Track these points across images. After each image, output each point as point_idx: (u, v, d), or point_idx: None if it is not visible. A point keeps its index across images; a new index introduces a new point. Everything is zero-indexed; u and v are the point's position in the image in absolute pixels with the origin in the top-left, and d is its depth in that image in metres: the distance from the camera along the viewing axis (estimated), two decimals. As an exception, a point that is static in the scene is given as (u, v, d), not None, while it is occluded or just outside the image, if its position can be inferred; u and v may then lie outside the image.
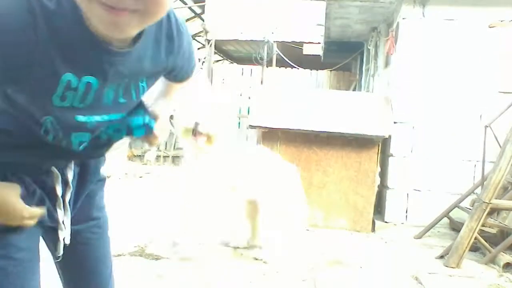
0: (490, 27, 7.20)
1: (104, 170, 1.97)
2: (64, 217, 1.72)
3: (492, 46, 7.20)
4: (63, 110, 1.40)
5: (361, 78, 12.71)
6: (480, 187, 6.16)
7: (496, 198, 5.47)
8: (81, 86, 1.37)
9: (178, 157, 18.11)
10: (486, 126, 6.19)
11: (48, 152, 1.58)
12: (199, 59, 21.62)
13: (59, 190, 1.67)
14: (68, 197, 1.73)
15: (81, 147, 1.57)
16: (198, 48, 23.57)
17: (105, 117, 1.55)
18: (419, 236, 6.64)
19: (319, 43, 13.22)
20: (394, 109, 7.23)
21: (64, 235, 1.74)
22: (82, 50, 1.32)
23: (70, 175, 1.72)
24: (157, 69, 1.64)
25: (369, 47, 10.75)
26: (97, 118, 1.52)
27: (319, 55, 13.71)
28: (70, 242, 1.79)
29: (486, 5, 7.18)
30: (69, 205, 1.75)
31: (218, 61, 24.04)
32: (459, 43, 7.26)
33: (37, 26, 1.21)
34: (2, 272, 1.53)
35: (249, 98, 13.88)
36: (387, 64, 8.77)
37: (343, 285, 4.66)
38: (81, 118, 1.46)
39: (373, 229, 6.94)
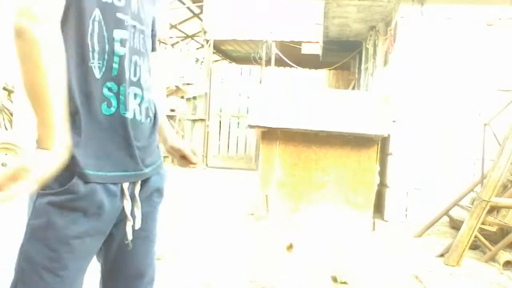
0: (488, 25, 7.20)
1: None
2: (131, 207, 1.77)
3: (491, 44, 7.20)
4: (106, 5, 1.60)
5: (360, 77, 12.72)
6: (479, 185, 6.16)
7: (495, 196, 5.47)
8: None
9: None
10: (485, 124, 6.19)
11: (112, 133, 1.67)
12: (197, 59, 21.65)
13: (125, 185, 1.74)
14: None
15: (123, 68, 1.67)
16: (197, 48, 23.56)
17: (134, 23, 1.74)
18: (419, 235, 6.63)
19: (317, 42, 13.21)
20: (393, 108, 7.23)
21: (131, 224, 1.79)
22: None
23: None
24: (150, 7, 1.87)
25: (367, 46, 10.75)
26: (130, 20, 1.70)
27: (318, 54, 13.70)
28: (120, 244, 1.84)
29: (484, 3, 7.18)
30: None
31: (217, 61, 24.02)
32: (457, 41, 7.26)
33: None
34: (45, 285, 1.57)
35: (248, 97, 13.88)
36: (386, 63, 8.77)
37: (344, 283, 4.65)
38: (120, 15, 1.64)
39: (373, 228, 6.93)
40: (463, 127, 7.19)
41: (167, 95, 18.12)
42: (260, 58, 14.47)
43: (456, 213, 6.65)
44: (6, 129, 11.84)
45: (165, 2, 19.69)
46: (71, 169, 1.53)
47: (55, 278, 1.58)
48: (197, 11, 22.51)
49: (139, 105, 1.76)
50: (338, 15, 9.26)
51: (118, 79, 1.66)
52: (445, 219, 6.85)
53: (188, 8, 22.80)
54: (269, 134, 7.07)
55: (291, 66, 14.77)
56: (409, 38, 7.43)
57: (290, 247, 4.64)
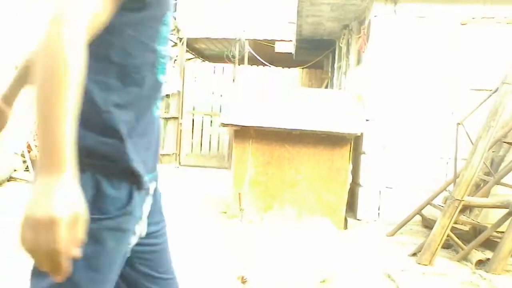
0: (462, 24, 7.22)
1: None
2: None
3: (464, 44, 7.22)
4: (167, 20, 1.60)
5: (333, 76, 12.72)
6: (452, 184, 6.16)
7: (468, 195, 5.48)
8: None
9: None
10: (458, 124, 6.19)
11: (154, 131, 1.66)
12: (170, 57, 21.53)
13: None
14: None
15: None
16: (171, 46, 23.45)
17: None
18: (392, 234, 6.63)
19: (291, 41, 13.21)
20: (366, 107, 7.23)
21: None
22: None
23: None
24: None
25: (341, 45, 10.75)
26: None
27: (291, 53, 13.70)
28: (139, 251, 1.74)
29: (458, 2, 7.20)
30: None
31: (190, 59, 23.90)
32: (431, 41, 7.27)
33: None
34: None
35: (221, 96, 13.84)
36: (359, 61, 8.77)
37: (316, 282, 4.62)
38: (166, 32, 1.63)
39: (345, 227, 6.92)
40: (436, 126, 7.21)
41: (140, 93, 18.03)
42: (233, 57, 14.41)
43: (429, 212, 6.66)
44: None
45: None
46: (128, 181, 1.48)
47: None
48: (170, 8, 22.41)
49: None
50: (312, 14, 9.23)
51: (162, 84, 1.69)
52: (418, 218, 6.85)
53: (161, 5, 22.72)
54: (242, 133, 7.02)
55: (264, 65, 14.75)
56: (382, 37, 7.43)
57: (243, 280, 4.57)
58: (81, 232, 1.17)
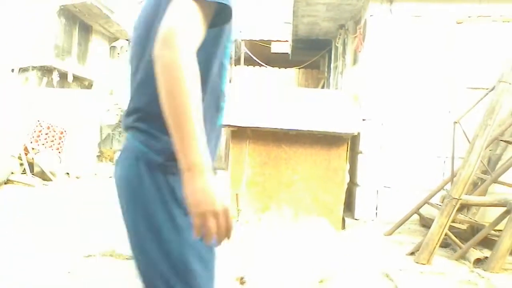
0: (458, 23, 7.22)
1: None
2: None
3: (460, 42, 7.22)
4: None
5: (330, 76, 12.72)
6: (450, 183, 6.16)
7: (466, 194, 5.48)
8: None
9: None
10: (455, 122, 6.18)
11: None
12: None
13: None
14: None
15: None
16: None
17: None
18: (389, 233, 6.63)
19: (287, 41, 13.21)
20: (363, 106, 7.23)
21: None
22: None
23: None
24: None
25: (337, 45, 10.75)
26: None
27: (287, 53, 13.70)
28: None
29: (454, 1, 7.21)
30: None
31: (185, 60, 23.97)
32: (427, 40, 7.27)
33: None
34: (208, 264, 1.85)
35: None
36: (355, 61, 8.77)
37: (314, 282, 4.61)
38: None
39: (343, 227, 6.91)
40: (433, 125, 7.20)
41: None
42: (230, 57, 14.42)
43: (427, 211, 6.66)
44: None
45: (134, 1, 19.57)
46: None
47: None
48: (166, 10, 22.44)
49: None
50: (307, 14, 9.24)
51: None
52: (416, 217, 6.85)
53: (157, 7, 22.74)
54: (239, 133, 7.01)
55: (260, 65, 14.75)
56: (378, 37, 7.43)
57: (242, 281, 4.56)
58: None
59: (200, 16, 1.58)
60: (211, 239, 1.52)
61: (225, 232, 1.54)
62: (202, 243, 1.60)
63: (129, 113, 1.81)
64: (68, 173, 11.56)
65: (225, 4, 1.67)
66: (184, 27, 1.51)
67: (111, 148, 17.73)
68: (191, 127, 1.47)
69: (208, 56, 1.73)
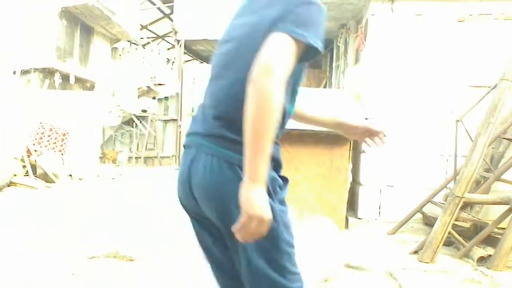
0: (459, 22, 7.22)
1: None
2: None
3: (462, 41, 7.22)
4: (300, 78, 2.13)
5: (331, 75, 12.72)
6: (452, 182, 6.16)
7: (469, 192, 5.47)
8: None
9: (150, 158, 18.03)
10: (457, 121, 6.19)
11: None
12: (168, 60, 21.53)
13: None
14: None
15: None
16: (168, 49, 23.44)
17: None
18: (393, 232, 6.63)
19: (289, 40, 13.18)
20: (365, 105, 7.22)
21: None
22: None
23: None
24: None
25: (338, 44, 10.75)
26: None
27: (289, 53, 13.66)
28: None
29: (455, -1, 7.21)
30: None
31: (188, 61, 23.94)
32: (428, 38, 7.28)
33: None
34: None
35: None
36: (357, 60, 8.78)
37: (319, 281, 4.61)
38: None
39: (346, 226, 6.91)
40: (435, 124, 7.21)
41: (139, 96, 18.03)
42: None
43: (430, 209, 6.66)
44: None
45: (135, 3, 19.59)
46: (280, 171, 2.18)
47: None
48: (167, 11, 22.40)
49: None
50: (309, 13, 9.23)
51: None
52: (419, 216, 6.86)
53: (158, 8, 22.69)
54: (241, 133, 7.01)
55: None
56: (380, 36, 7.44)
57: None
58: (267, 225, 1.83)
59: (294, 51, 1.86)
60: (246, 237, 1.85)
61: (258, 236, 1.85)
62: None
63: (214, 118, 2.04)
64: (71, 175, 11.56)
65: (315, 47, 1.94)
66: (281, 60, 1.79)
67: (113, 150, 17.76)
68: (266, 147, 1.78)
69: (292, 83, 2.05)
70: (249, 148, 1.78)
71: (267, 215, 1.80)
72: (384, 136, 2.62)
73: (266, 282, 2.07)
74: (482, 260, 5.24)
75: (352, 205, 7.57)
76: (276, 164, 2.11)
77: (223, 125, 1.99)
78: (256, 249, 2.04)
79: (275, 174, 2.06)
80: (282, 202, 2.13)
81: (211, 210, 2.05)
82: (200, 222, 2.23)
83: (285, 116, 2.07)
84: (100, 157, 16.90)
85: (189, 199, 2.13)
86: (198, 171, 2.02)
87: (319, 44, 1.94)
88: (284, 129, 2.18)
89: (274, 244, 2.10)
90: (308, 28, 1.90)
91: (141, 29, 21.54)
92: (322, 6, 2.01)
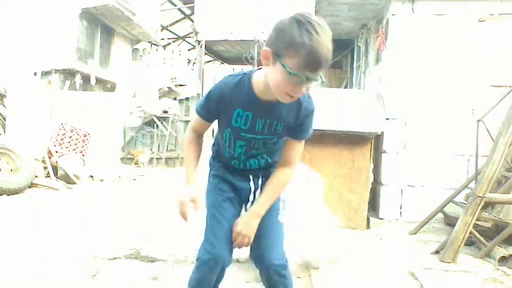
0: (480, 21, 7.21)
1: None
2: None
3: (483, 40, 7.21)
4: (235, 128, 2.74)
5: (352, 75, 12.72)
6: (474, 181, 6.16)
7: (490, 192, 5.47)
8: (244, 116, 2.67)
9: (171, 158, 18.11)
10: (478, 120, 6.19)
11: (229, 159, 2.97)
12: (189, 60, 21.58)
13: (252, 186, 2.98)
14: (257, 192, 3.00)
15: (239, 151, 2.86)
16: (189, 49, 23.52)
17: (256, 136, 2.75)
18: (414, 232, 6.63)
19: (309, 41, 13.19)
20: (386, 106, 7.23)
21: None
22: (248, 101, 2.62)
23: (258, 182, 3.00)
24: (287, 120, 2.71)
25: (359, 44, 10.76)
26: (251, 135, 2.75)
27: (310, 53, 13.67)
28: None
29: (475, -1, 7.20)
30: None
31: (209, 61, 23.99)
32: (449, 38, 7.27)
33: (224, 95, 2.65)
34: (213, 216, 2.91)
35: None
36: (377, 60, 8.77)
37: (339, 282, 4.64)
38: (243, 134, 2.74)
39: (367, 226, 6.92)
40: (456, 124, 7.21)
41: (160, 97, 18.10)
42: (252, 58, 14.49)
43: (451, 209, 6.65)
44: (-1, 134, 11.81)
45: (156, 4, 19.66)
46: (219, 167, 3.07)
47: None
48: (188, 12, 22.50)
49: (244, 161, 2.95)
50: (330, 14, 9.27)
51: (234, 157, 2.95)
52: (440, 216, 6.86)
53: (179, 9, 22.79)
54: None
55: (283, 66, 14.76)
56: (401, 36, 7.44)
57: None
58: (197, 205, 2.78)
59: (196, 119, 2.94)
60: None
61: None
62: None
63: (273, 163, 2.94)
64: (92, 176, 11.63)
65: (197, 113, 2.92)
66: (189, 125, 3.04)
67: (138, 149, 17.79)
68: (186, 164, 2.95)
69: (218, 133, 3.02)
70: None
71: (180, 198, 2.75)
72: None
73: None
74: (503, 259, 5.24)
75: (373, 205, 7.58)
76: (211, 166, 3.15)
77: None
78: None
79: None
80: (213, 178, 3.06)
81: None
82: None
83: (220, 152, 3.06)
84: (128, 158, 17.02)
85: None
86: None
87: (198, 111, 2.85)
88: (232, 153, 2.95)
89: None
90: (200, 102, 2.85)
91: (161, 30, 21.64)
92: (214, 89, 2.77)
